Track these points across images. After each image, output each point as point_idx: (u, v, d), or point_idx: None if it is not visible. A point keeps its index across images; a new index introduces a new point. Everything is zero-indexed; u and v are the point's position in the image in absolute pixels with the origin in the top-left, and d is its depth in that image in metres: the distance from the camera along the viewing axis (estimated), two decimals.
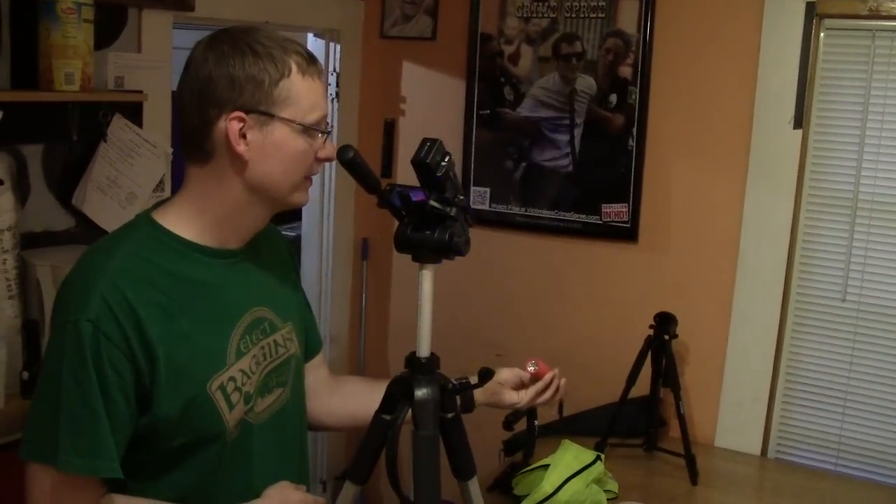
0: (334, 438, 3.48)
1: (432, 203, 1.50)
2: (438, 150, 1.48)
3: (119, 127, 2.47)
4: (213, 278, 1.48)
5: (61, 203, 2.41)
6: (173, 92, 2.60)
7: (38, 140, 2.34)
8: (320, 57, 3.24)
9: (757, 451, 2.77)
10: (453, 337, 3.05)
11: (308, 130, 1.46)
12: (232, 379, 1.47)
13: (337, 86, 3.24)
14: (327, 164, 3.27)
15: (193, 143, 1.45)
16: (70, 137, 2.38)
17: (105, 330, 1.33)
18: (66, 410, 1.33)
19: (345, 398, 1.82)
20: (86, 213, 2.43)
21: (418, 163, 1.48)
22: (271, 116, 1.41)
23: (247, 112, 1.40)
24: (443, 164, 1.49)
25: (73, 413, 1.33)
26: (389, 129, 3.34)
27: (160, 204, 1.52)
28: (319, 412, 1.79)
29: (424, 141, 1.49)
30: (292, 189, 1.50)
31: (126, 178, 2.51)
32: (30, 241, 2.33)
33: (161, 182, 2.60)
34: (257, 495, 1.54)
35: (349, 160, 1.45)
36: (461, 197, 1.52)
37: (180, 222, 1.47)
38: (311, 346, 1.78)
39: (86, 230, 2.45)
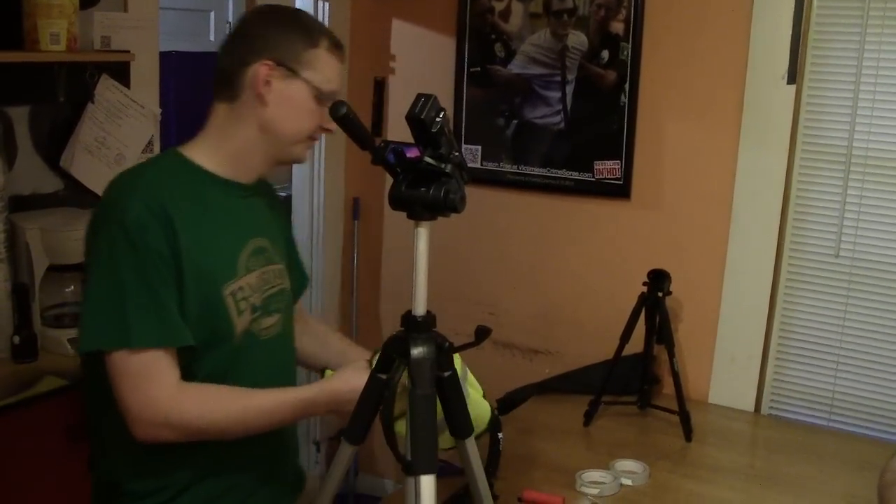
0: None
1: (427, 160, 1.47)
2: (433, 105, 1.46)
3: (106, 87, 2.44)
4: (226, 203, 1.68)
5: (49, 165, 2.39)
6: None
7: (24, 101, 2.32)
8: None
9: (750, 407, 2.78)
10: (445, 296, 3.04)
11: (321, 98, 1.65)
12: (241, 289, 1.65)
13: None
14: None
15: (225, 83, 1.66)
16: (57, 98, 2.36)
17: (149, 227, 1.52)
18: (131, 299, 1.51)
19: (304, 343, 1.94)
20: (74, 175, 2.41)
21: (412, 119, 1.46)
22: (295, 73, 1.64)
23: (277, 63, 1.62)
24: (437, 119, 1.46)
25: (139, 299, 1.51)
26: (379, 88, 3.30)
27: (186, 142, 1.71)
28: None
29: (419, 97, 1.46)
30: (296, 140, 1.69)
31: (114, 139, 2.48)
32: (18, 205, 2.31)
33: (150, 143, 2.58)
34: None
35: (342, 116, 1.45)
36: (456, 153, 1.50)
37: (201, 154, 1.67)
38: (295, 287, 1.91)
39: (74, 192, 2.44)
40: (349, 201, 3.40)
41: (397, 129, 3.30)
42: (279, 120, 1.65)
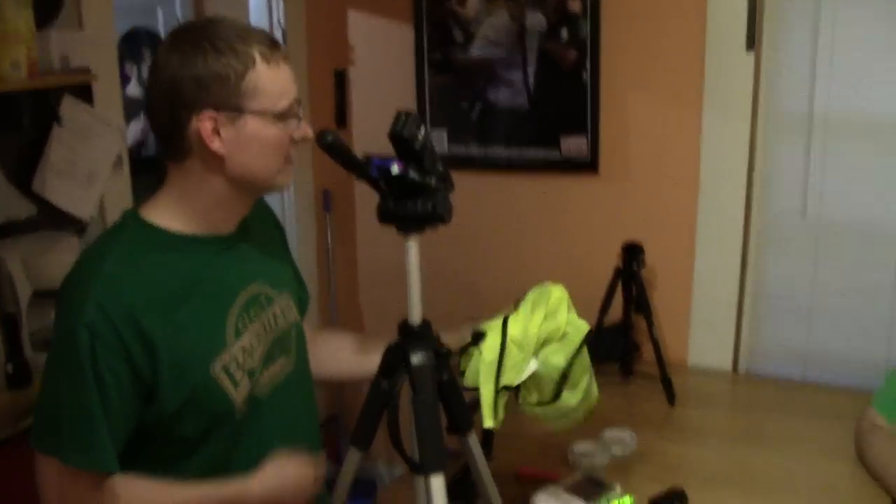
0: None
1: (411, 175, 1.51)
2: (414, 121, 1.49)
3: (70, 107, 2.43)
4: (204, 266, 1.51)
5: (21, 191, 2.37)
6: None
7: None
8: (263, 11, 3.19)
9: (728, 366, 2.86)
10: (423, 281, 3.08)
11: (281, 117, 1.46)
12: (234, 359, 1.51)
13: (283, 40, 3.19)
14: None
15: (169, 144, 1.46)
16: (21, 124, 2.34)
17: (101, 335, 1.37)
18: (64, 409, 1.40)
19: (318, 356, 1.83)
20: (48, 199, 2.40)
21: (395, 137, 1.49)
22: (242, 111, 1.43)
23: (217, 110, 1.41)
24: (419, 136, 1.49)
25: (71, 412, 1.40)
26: (340, 80, 3.31)
27: (146, 200, 1.54)
28: None
29: (399, 114, 1.49)
30: (274, 175, 1.51)
31: (83, 158, 2.47)
32: None
33: (119, 158, 2.57)
34: None
35: (329, 144, 1.47)
36: (440, 166, 1.53)
37: (167, 216, 1.49)
38: (302, 305, 1.82)
39: (49, 216, 2.43)
40: (319, 194, 3.41)
41: (361, 121, 3.32)
42: (246, 164, 1.46)
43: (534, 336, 1.73)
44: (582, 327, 1.78)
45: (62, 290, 1.46)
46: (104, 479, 1.43)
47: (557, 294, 1.80)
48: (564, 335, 1.77)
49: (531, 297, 1.79)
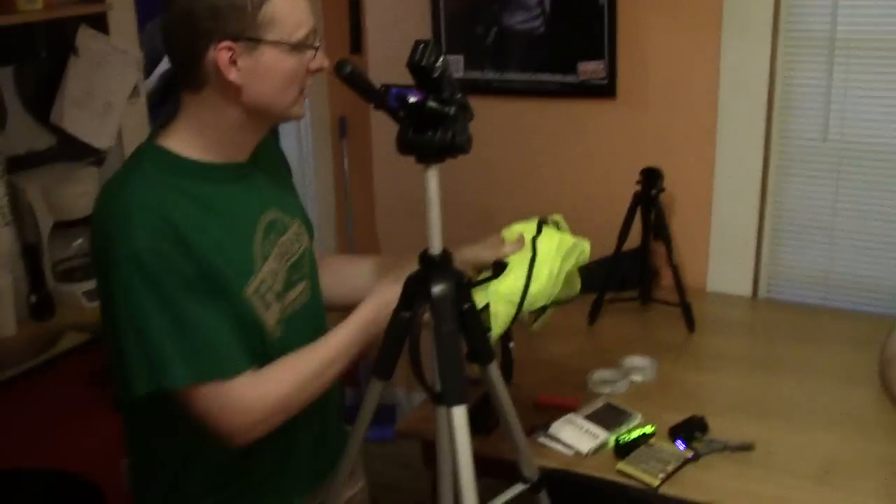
0: None
1: (430, 105, 1.49)
2: (433, 50, 1.47)
3: (86, 38, 2.41)
4: (224, 193, 1.52)
5: (40, 122, 2.38)
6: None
7: (6, 62, 2.29)
8: None
9: (748, 292, 2.85)
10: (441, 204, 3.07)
11: (297, 48, 1.46)
12: (263, 282, 1.53)
13: None
14: None
15: (186, 73, 1.46)
16: (39, 55, 2.33)
17: (162, 250, 1.38)
18: (166, 337, 1.39)
19: (332, 282, 1.83)
20: (66, 129, 2.41)
21: (414, 66, 1.47)
22: (259, 41, 1.42)
23: (234, 40, 1.41)
24: (437, 64, 1.47)
25: (174, 334, 1.39)
26: (355, 5, 3.26)
27: (160, 130, 1.53)
28: None
29: (417, 43, 1.47)
30: (289, 105, 1.51)
31: (100, 88, 2.47)
32: (15, 165, 2.31)
33: (136, 88, 2.56)
34: None
35: (347, 75, 1.45)
36: (459, 95, 1.51)
37: (184, 145, 1.49)
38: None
39: (68, 146, 2.44)
40: (335, 121, 3.39)
41: (377, 47, 3.28)
42: (262, 95, 1.47)
43: (541, 304, 1.76)
44: (576, 289, 1.84)
45: (98, 229, 1.45)
46: (231, 381, 1.44)
47: (584, 256, 1.83)
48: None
49: (565, 244, 1.80)
